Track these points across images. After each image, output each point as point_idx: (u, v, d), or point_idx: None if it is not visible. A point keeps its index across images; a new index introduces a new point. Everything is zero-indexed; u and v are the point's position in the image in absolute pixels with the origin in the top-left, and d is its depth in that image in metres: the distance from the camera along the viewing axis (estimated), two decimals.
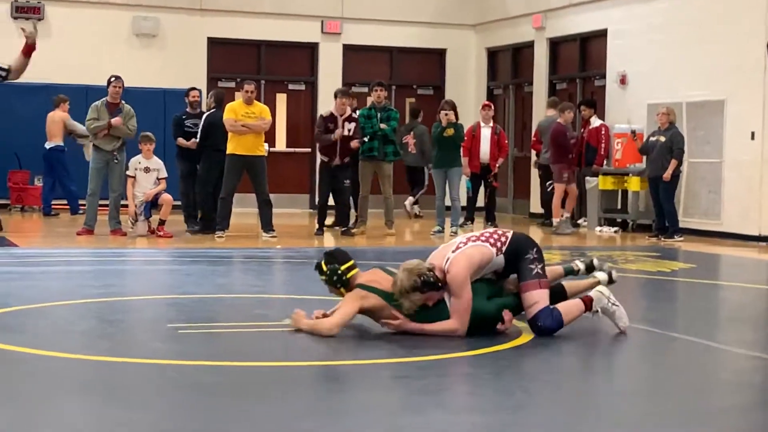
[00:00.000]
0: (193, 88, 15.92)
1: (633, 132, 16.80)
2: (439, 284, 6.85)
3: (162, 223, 14.61)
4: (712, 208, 16.41)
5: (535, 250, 7.08)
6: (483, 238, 7.08)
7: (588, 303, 7.13)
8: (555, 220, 16.84)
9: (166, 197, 14.67)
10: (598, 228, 17.23)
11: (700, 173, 16.52)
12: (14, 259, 11.75)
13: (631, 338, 7.42)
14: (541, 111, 20.02)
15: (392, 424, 4.83)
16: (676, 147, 15.67)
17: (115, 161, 14.47)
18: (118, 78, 14.72)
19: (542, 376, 6.13)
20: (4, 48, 15.88)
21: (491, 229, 7.28)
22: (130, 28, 20.54)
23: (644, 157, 16.54)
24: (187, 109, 15.61)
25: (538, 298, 6.96)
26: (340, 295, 7.11)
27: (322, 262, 7.13)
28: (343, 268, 7.05)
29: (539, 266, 7.03)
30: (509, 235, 7.16)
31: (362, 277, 7.07)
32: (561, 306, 7.06)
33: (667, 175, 15.60)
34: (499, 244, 7.06)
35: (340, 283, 7.07)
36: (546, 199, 18.28)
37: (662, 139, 15.75)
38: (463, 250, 6.97)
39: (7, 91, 17.86)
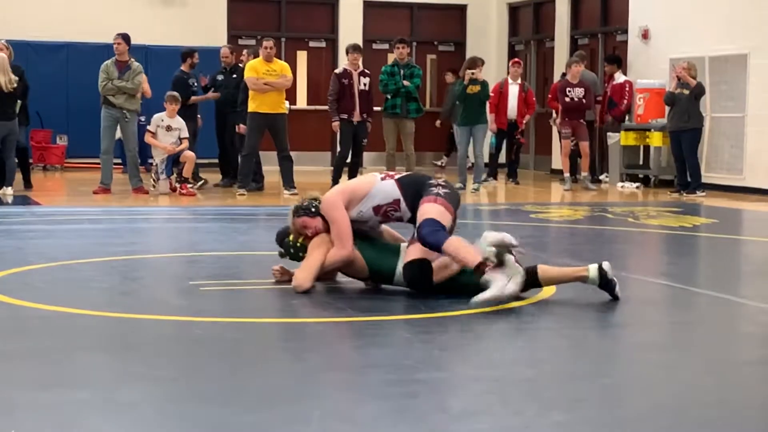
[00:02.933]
0: (196, 50, 16.11)
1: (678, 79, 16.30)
2: (312, 209, 6.95)
3: (185, 180, 14.63)
4: (734, 163, 16.33)
5: (442, 181, 6.97)
6: (377, 172, 7.21)
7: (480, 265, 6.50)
8: (565, 176, 16.77)
9: (189, 154, 14.68)
10: (620, 183, 17.19)
11: (723, 128, 16.42)
12: (37, 217, 11.81)
13: (653, 293, 7.41)
14: (562, 67, 19.90)
15: (414, 379, 4.84)
16: (701, 94, 15.63)
17: (126, 119, 14.49)
18: (117, 35, 14.72)
19: (564, 331, 6.13)
20: None
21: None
22: None
23: (666, 111, 16.42)
24: (182, 68, 15.77)
25: (428, 210, 6.69)
26: None
27: (278, 247, 7.21)
28: (291, 237, 7.09)
29: (441, 189, 6.84)
30: (410, 172, 7.28)
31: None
32: (452, 242, 6.55)
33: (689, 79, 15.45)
34: (393, 173, 7.08)
35: (300, 251, 7.07)
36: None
37: (686, 92, 15.65)
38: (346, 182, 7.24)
39: (27, 50, 17.90)
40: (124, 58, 14.65)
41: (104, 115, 14.55)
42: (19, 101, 14.69)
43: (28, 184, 15.09)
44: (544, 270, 6.78)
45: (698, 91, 15.61)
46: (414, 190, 6.90)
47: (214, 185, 15.54)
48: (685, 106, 15.62)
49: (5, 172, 14.17)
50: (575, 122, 16.58)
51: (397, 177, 6.99)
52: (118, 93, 14.43)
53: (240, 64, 15.92)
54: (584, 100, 16.59)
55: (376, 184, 6.94)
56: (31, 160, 17.41)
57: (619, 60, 18.13)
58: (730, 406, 4.56)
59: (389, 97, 15.47)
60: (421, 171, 7.22)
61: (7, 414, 4.23)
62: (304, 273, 6.87)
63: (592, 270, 6.75)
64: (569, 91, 16.51)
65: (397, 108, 15.45)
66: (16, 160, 14.84)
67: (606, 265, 6.77)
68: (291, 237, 7.11)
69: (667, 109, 16.32)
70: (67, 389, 4.60)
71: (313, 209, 6.98)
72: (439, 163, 21.24)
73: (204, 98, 15.71)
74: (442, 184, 6.92)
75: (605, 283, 6.73)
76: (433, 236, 6.57)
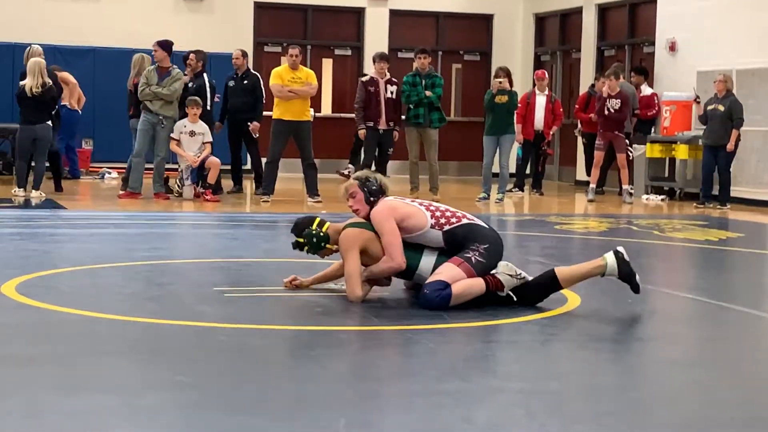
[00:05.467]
0: (193, 52, 15.99)
1: (697, 98, 16.38)
2: (371, 198, 6.87)
3: (209, 187, 14.64)
4: (761, 176, 16.25)
5: (486, 246, 6.70)
6: (432, 209, 6.86)
7: (494, 285, 6.66)
8: (591, 186, 16.68)
9: (213, 160, 14.68)
10: (645, 196, 17.11)
11: (750, 142, 16.32)
12: (62, 221, 11.85)
13: (680, 307, 7.38)
14: (588, 78, 19.87)
15: (438, 389, 4.83)
16: (737, 117, 15.46)
17: (162, 125, 14.52)
18: (154, 43, 14.79)
19: (589, 344, 6.10)
20: None
21: (461, 212, 6.93)
22: None
23: (700, 125, 16.38)
24: (187, 72, 15.79)
25: (444, 270, 6.62)
26: (330, 253, 7.09)
27: (296, 238, 7.10)
28: (314, 226, 7.03)
29: (476, 255, 6.64)
30: (465, 221, 6.82)
31: (340, 225, 7.05)
32: (458, 284, 6.57)
33: (730, 145, 15.43)
34: (443, 220, 6.78)
35: (323, 241, 7.02)
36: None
37: (721, 108, 15.56)
38: (400, 202, 6.91)
39: (54, 55, 17.95)
40: (164, 65, 14.66)
41: (141, 119, 14.59)
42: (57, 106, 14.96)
43: (58, 187, 15.20)
44: (561, 271, 6.79)
45: (731, 113, 15.48)
46: (456, 244, 6.76)
47: (227, 192, 15.55)
48: (720, 122, 15.51)
49: (33, 174, 14.34)
50: (611, 134, 16.39)
51: (446, 229, 6.75)
52: (155, 99, 14.47)
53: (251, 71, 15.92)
54: (619, 112, 16.35)
55: (426, 229, 6.77)
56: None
57: (646, 72, 18.07)
58: (759, 421, 4.52)
59: (412, 106, 15.49)
60: (469, 221, 6.95)
61: (33, 418, 4.24)
62: (351, 283, 6.83)
63: (609, 258, 6.71)
64: (606, 102, 16.38)
65: (419, 117, 15.46)
66: (47, 164, 14.95)
67: (621, 248, 6.75)
68: (314, 225, 7.03)
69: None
70: (92, 394, 4.60)
71: (375, 190, 6.87)
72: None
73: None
74: (482, 251, 6.70)
75: (625, 268, 6.67)
76: (437, 301, 6.52)
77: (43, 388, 4.68)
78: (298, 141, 14.62)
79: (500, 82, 15.55)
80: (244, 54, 16.10)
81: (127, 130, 15.27)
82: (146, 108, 14.51)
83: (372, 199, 6.89)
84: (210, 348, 5.62)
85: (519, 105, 16.55)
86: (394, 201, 6.93)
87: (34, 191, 14.13)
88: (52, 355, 5.34)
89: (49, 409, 4.37)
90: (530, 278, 6.81)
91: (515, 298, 6.70)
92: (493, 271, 6.71)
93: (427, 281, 6.64)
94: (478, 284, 6.63)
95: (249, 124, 15.54)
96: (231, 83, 15.91)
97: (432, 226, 6.77)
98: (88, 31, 19.71)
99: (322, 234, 7.04)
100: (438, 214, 6.82)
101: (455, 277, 6.59)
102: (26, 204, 13.56)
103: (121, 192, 14.73)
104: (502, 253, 6.85)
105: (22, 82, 14.17)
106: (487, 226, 6.93)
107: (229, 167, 16.13)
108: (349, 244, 6.86)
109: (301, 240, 7.09)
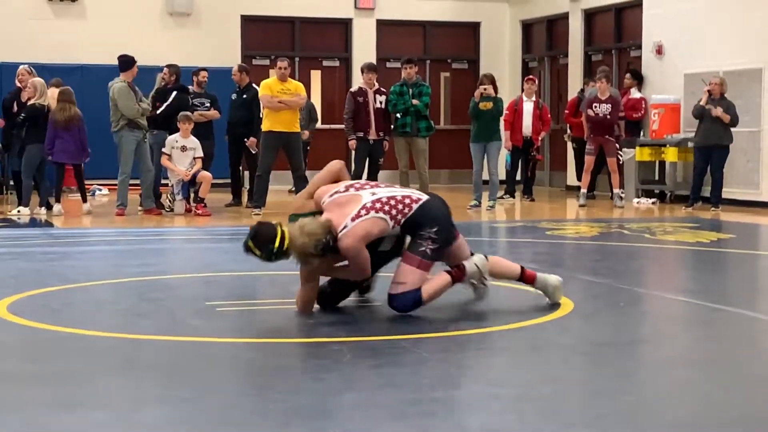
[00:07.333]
0: (204, 69, 16.31)
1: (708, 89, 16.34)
2: (329, 247, 6.52)
3: (201, 201, 14.65)
4: (750, 177, 16.28)
5: (435, 229, 6.63)
6: (387, 208, 6.62)
7: (458, 277, 6.75)
8: (582, 191, 16.70)
9: (205, 174, 14.70)
10: (635, 199, 17.14)
11: (739, 143, 16.35)
12: (54, 239, 11.83)
13: (672, 309, 7.38)
14: (576, 83, 19.92)
15: (431, 398, 4.83)
16: (734, 116, 15.53)
17: (146, 140, 14.56)
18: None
19: (582, 348, 6.10)
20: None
21: (404, 193, 6.78)
22: (164, 6, 20.59)
23: (688, 128, 16.40)
24: (193, 88, 15.80)
25: (408, 278, 6.61)
26: None
27: (252, 247, 6.61)
28: (276, 245, 6.52)
29: (428, 244, 6.61)
30: (415, 206, 6.67)
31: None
32: (425, 289, 6.63)
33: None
34: (399, 216, 6.63)
35: (282, 257, 6.61)
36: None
37: (720, 108, 15.57)
38: (360, 223, 6.55)
39: (41, 73, 17.91)
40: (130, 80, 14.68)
41: (130, 139, 14.41)
42: None
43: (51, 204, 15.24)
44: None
45: (728, 114, 15.52)
46: (410, 233, 6.73)
47: (225, 205, 15.64)
48: (719, 122, 15.50)
49: (26, 191, 14.43)
50: (601, 138, 16.42)
51: (402, 222, 6.64)
52: (142, 116, 14.51)
53: (254, 84, 15.93)
54: (609, 116, 16.39)
55: (389, 230, 6.65)
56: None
57: (641, 77, 18.14)
58: (752, 422, 4.53)
59: (399, 116, 15.52)
60: (416, 201, 6.84)
61: None
62: (303, 308, 6.86)
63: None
64: (595, 107, 16.40)
65: (407, 127, 15.50)
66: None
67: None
68: (276, 244, 6.50)
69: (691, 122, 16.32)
70: (87, 411, 4.60)
71: (328, 245, 6.51)
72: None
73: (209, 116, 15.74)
74: (433, 237, 6.63)
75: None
76: (410, 306, 6.65)
77: (38, 405, 4.68)
78: (288, 152, 14.64)
79: (485, 89, 15.59)
80: (242, 69, 16.13)
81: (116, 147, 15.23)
82: (135, 125, 14.46)
83: (332, 245, 6.53)
84: (203, 362, 5.62)
85: (507, 112, 16.59)
86: (361, 229, 6.56)
87: (41, 209, 14.23)
88: (46, 373, 5.34)
89: (44, 426, 4.36)
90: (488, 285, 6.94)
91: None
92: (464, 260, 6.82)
93: (391, 292, 6.66)
94: (444, 282, 6.75)
95: (246, 140, 15.60)
96: (233, 96, 15.98)
97: (392, 227, 6.69)
98: (76, 49, 19.72)
99: (282, 251, 6.54)
100: (394, 212, 6.62)
101: (418, 282, 6.64)
102: (33, 223, 13.58)
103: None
104: (453, 224, 6.83)
105: (35, 101, 14.24)
106: (429, 198, 6.80)
107: (221, 181, 16.19)
108: (305, 276, 6.80)
109: (258, 254, 6.62)
